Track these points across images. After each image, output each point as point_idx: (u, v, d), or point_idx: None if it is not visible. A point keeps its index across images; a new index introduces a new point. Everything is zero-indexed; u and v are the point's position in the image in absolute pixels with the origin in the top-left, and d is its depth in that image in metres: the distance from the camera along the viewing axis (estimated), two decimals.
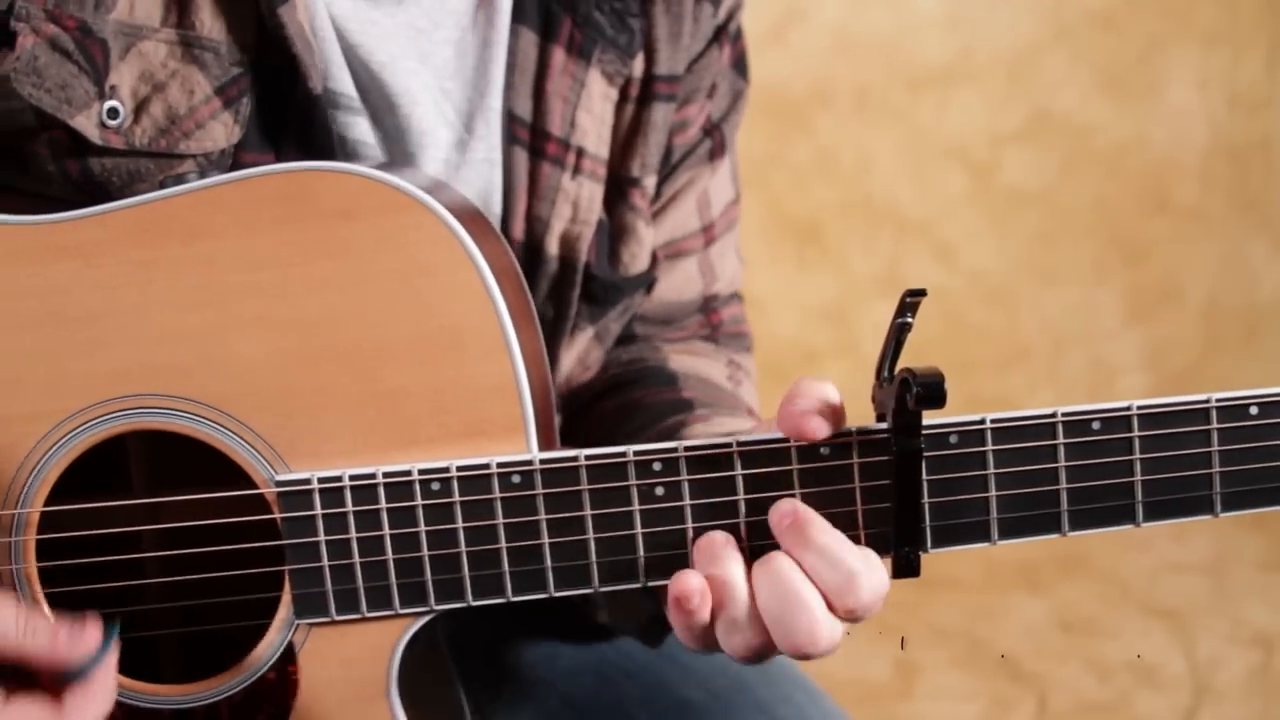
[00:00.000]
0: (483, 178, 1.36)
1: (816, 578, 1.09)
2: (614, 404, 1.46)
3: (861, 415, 1.13)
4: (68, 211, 1.16)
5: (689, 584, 1.09)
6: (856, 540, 1.12)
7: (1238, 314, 3.74)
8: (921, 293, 1.06)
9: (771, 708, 1.49)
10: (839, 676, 2.92)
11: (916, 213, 3.74)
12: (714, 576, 1.10)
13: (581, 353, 1.47)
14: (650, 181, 1.44)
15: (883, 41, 3.72)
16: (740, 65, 1.53)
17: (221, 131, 1.25)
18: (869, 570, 1.09)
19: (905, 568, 1.12)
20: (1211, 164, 3.81)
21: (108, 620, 1.11)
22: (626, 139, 1.42)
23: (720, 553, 1.11)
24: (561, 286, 1.39)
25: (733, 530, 1.13)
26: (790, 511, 1.11)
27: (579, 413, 1.48)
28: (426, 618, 1.16)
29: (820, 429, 1.09)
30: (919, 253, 3.72)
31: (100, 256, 1.15)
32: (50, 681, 1.10)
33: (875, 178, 3.75)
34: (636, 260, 1.45)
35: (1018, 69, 3.75)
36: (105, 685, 1.10)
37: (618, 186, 1.43)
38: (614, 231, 1.44)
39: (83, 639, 1.09)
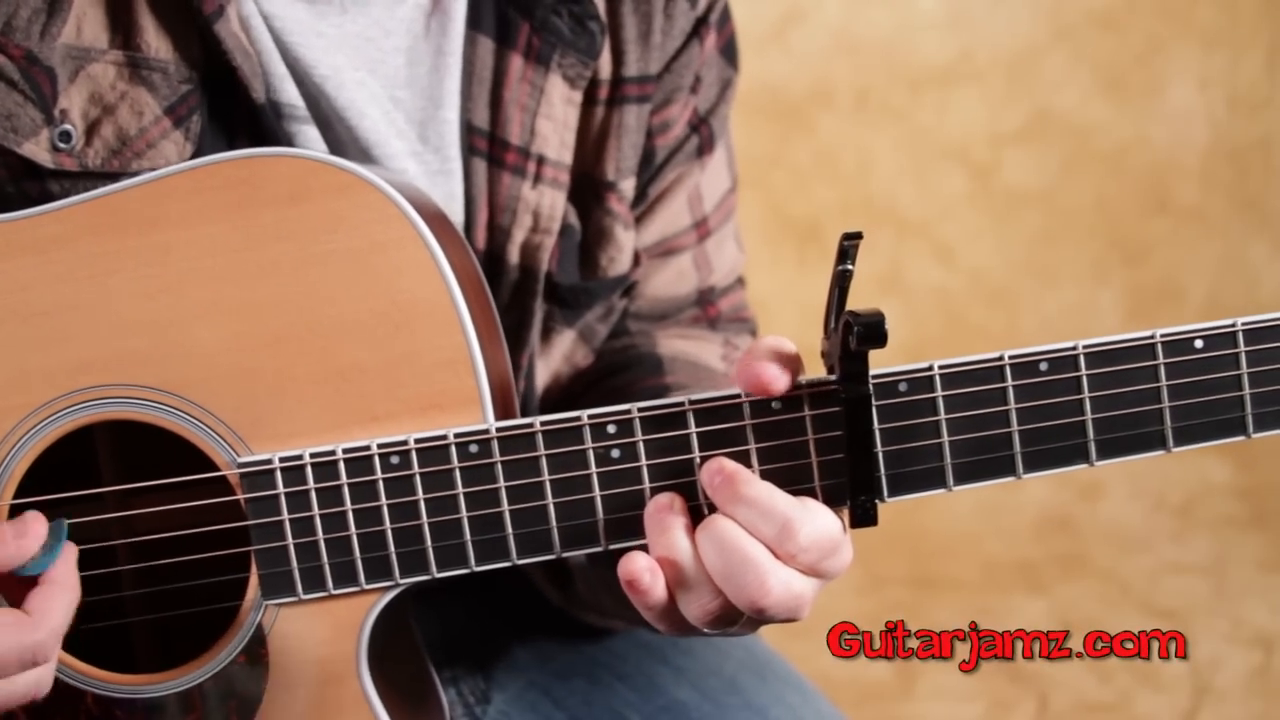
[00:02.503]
0: (440, 188, 1.36)
1: (754, 530, 1.08)
2: (601, 390, 1.46)
3: None
4: (25, 208, 1.18)
5: (636, 565, 1.09)
6: (812, 494, 1.12)
7: (1237, 314, 3.70)
8: (858, 235, 1.06)
9: (764, 708, 1.49)
10: (838, 677, 2.91)
11: (916, 213, 3.74)
12: (661, 552, 1.10)
13: (567, 352, 1.47)
14: (627, 185, 1.44)
15: (883, 41, 3.72)
16: (729, 52, 1.51)
17: (173, 150, 1.26)
18: (805, 514, 1.09)
19: (862, 517, 1.12)
20: (1211, 164, 3.80)
21: (54, 518, 1.13)
22: (597, 142, 1.42)
23: (664, 521, 1.11)
24: (523, 295, 1.39)
25: (688, 489, 1.13)
26: (717, 470, 1.11)
27: (572, 401, 1.48)
28: (393, 593, 1.16)
29: (773, 375, 1.09)
30: (919, 253, 3.72)
31: (58, 251, 1.16)
32: (15, 592, 1.12)
33: (875, 178, 3.74)
34: (615, 263, 1.45)
35: (1018, 69, 3.74)
36: (68, 576, 1.12)
37: (592, 190, 1.43)
38: (590, 236, 1.44)
39: (27, 532, 1.11)
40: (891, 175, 3.75)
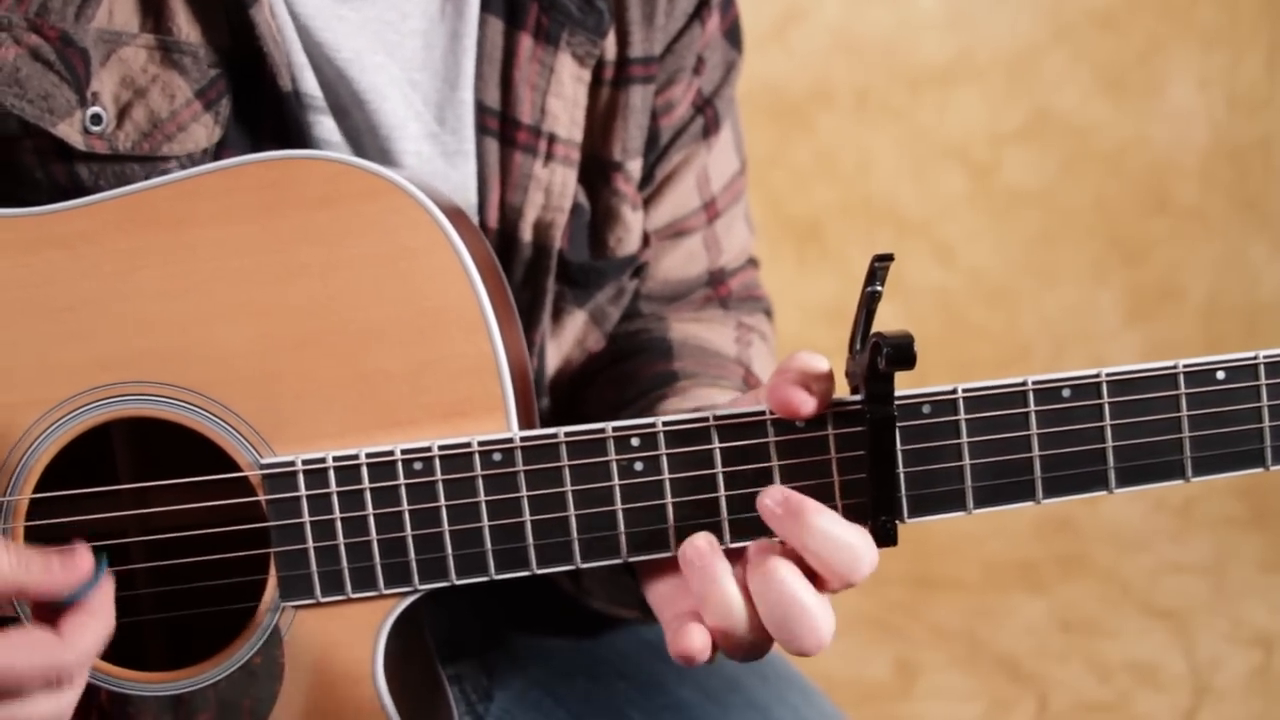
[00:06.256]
0: (458, 169, 1.37)
1: (820, 562, 1.07)
2: (611, 374, 1.47)
3: None
4: (54, 204, 1.18)
5: (693, 644, 1.08)
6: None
7: (1238, 314, 3.74)
8: (889, 257, 1.06)
9: (766, 708, 1.49)
10: (839, 677, 2.92)
11: (916, 213, 3.74)
12: (712, 604, 1.09)
13: (578, 335, 1.47)
14: (634, 165, 1.44)
15: (883, 41, 3.72)
16: (733, 35, 1.51)
17: (203, 133, 1.26)
18: (866, 544, 1.08)
19: (883, 537, 1.12)
20: (1211, 164, 3.81)
21: (96, 552, 1.11)
22: (604, 123, 1.42)
23: (711, 569, 1.10)
24: (536, 273, 1.40)
25: (710, 504, 1.13)
26: (782, 500, 1.09)
27: (584, 384, 1.49)
28: (411, 598, 1.16)
29: (801, 399, 1.09)
30: (919, 253, 3.72)
31: (86, 246, 1.16)
32: (47, 614, 1.10)
33: (875, 178, 3.75)
34: (623, 244, 1.45)
35: (1018, 69, 3.75)
36: (104, 607, 1.10)
37: (600, 171, 1.43)
38: (598, 216, 1.44)
39: (76, 565, 1.09)
40: (891, 175, 3.75)
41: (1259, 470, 1.15)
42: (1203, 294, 3.78)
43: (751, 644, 1.10)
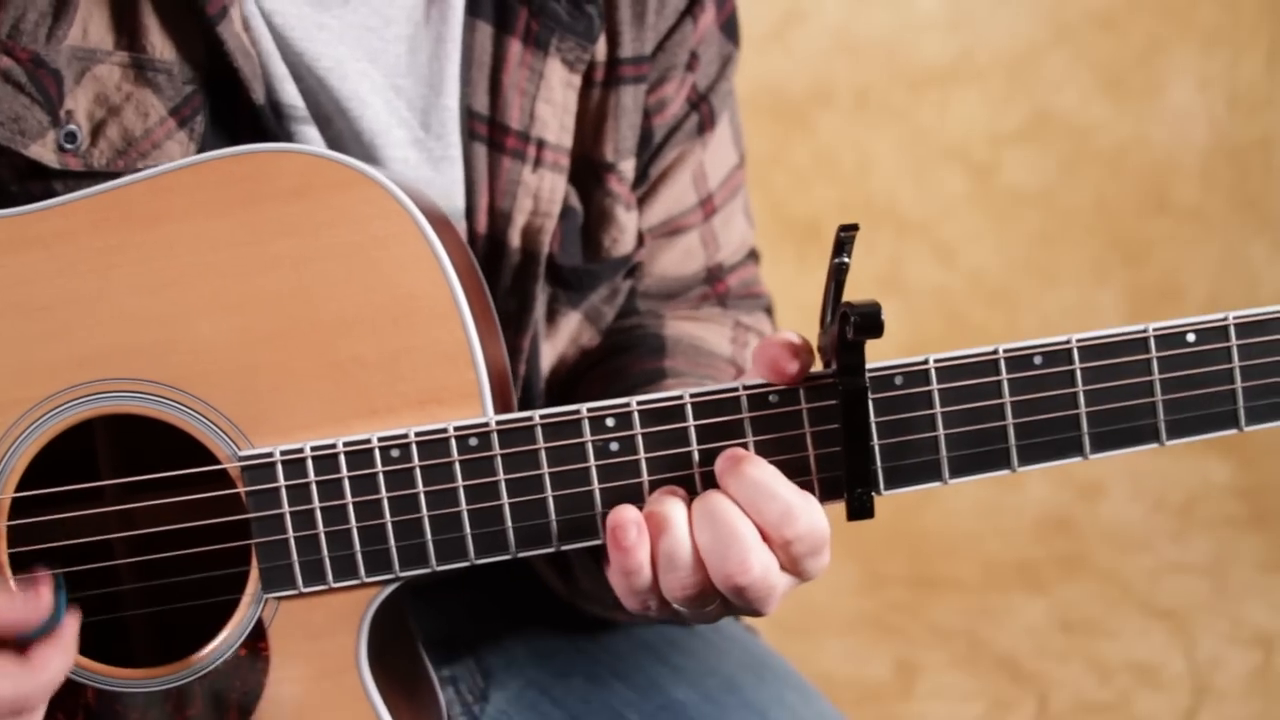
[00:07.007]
0: (444, 175, 1.37)
1: (753, 509, 1.09)
2: (601, 370, 1.47)
3: None
4: (30, 204, 1.18)
5: (625, 515, 1.10)
6: (809, 486, 1.13)
7: None
8: (854, 227, 1.07)
9: (764, 708, 1.48)
10: (839, 677, 2.92)
11: (916, 213, 3.74)
12: (653, 512, 1.11)
13: (573, 334, 1.47)
14: (627, 165, 1.44)
15: (883, 41, 3.72)
16: (729, 28, 1.51)
17: (178, 150, 1.27)
18: (806, 504, 1.10)
19: (859, 509, 1.12)
20: (1211, 164, 3.81)
21: (54, 579, 1.12)
22: (595, 124, 1.42)
23: (664, 496, 1.12)
24: (524, 278, 1.40)
25: (687, 481, 1.14)
26: (728, 455, 1.12)
27: (577, 380, 1.49)
28: (392, 586, 1.17)
29: (787, 357, 1.10)
30: (919, 253, 3.72)
31: (62, 246, 1.17)
32: (13, 642, 1.11)
33: (875, 178, 3.75)
34: (618, 245, 1.45)
35: (1018, 69, 3.75)
36: (70, 639, 1.12)
37: (592, 172, 1.43)
38: (591, 218, 1.44)
39: (39, 597, 1.11)
40: (891, 175, 3.75)
41: (1233, 431, 1.15)
42: (1203, 294, 3.77)
43: (686, 572, 1.10)
